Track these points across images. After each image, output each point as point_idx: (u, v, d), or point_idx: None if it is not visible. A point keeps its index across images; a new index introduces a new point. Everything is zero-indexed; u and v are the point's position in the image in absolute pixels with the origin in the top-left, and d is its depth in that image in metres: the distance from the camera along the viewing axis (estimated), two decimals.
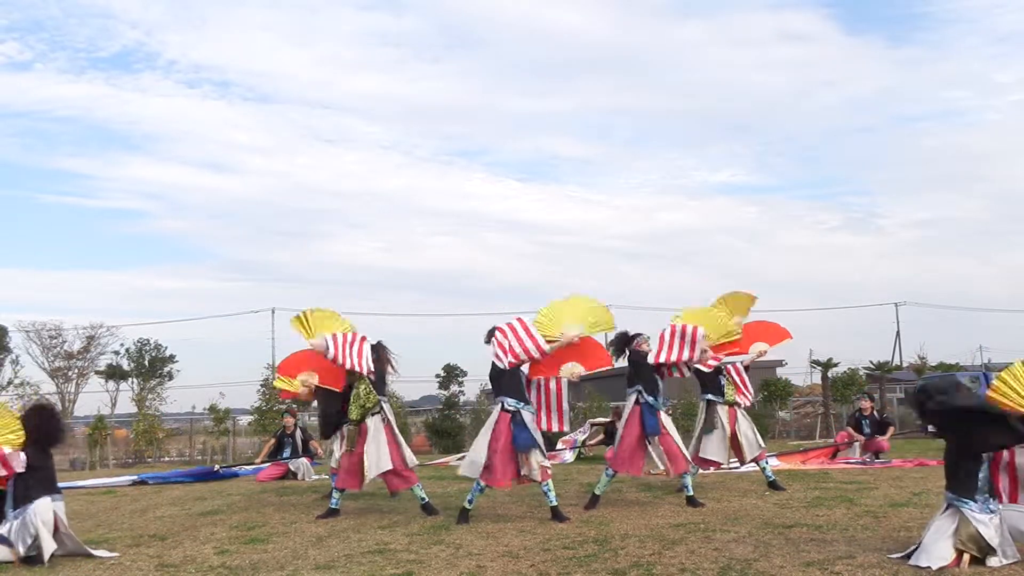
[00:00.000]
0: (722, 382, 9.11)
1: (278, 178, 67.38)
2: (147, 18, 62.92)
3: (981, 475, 5.02)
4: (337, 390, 8.28)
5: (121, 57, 65.03)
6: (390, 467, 7.85)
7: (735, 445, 9.14)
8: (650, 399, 7.76)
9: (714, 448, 9.06)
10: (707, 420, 9.11)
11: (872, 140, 69.11)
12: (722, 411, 9.10)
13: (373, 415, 7.93)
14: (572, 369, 7.58)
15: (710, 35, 66.05)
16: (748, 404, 9.41)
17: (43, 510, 5.97)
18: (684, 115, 70.72)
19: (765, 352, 9.18)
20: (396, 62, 67.95)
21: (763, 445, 9.20)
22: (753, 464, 9.36)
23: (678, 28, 66.47)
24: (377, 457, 7.84)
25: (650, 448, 7.80)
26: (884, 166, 69.80)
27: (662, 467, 7.90)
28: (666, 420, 7.90)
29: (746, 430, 9.15)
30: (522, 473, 7.23)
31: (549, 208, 69.67)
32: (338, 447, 8.45)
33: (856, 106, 67.29)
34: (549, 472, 7.34)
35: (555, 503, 7.27)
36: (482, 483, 7.29)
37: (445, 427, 21.71)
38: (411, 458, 8.16)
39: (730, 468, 9.82)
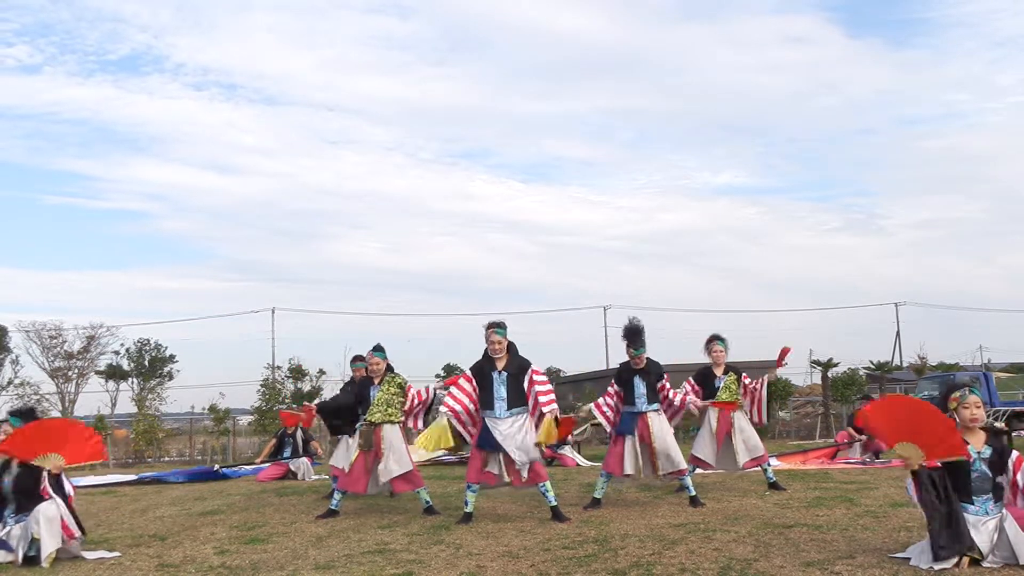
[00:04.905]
0: (717, 384, 9.07)
1: (282, 179, 67.55)
2: (156, 22, 63.13)
3: (975, 476, 5.02)
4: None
5: (130, 60, 65.18)
6: (410, 468, 7.98)
7: (724, 447, 9.03)
8: (625, 408, 7.93)
9: (702, 448, 9.07)
10: (699, 419, 9.19)
11: (873, 142, 69.23)
12: (712, 412, 9.09)
13: (393, 423, 8.04)
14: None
15: (713, 37, 66.17)
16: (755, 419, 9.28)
17: (47, 510, 5.97)
18: (686, 117, 70.83)
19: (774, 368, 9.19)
20: (401, 65, 68.08)
21: (757, 453, 9.00)
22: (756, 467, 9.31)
23: (681, 30, 66.57)
24: (397, 458, 7.95)
25: (634, 449, 7.82)
26: (885, 167, 69.92)
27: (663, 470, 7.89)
28: (655, 423, 7.87)
29: (739, 435, 9.01)
30: (491, 471, 7.23)
31: (551, 209, 69.77)
32: (346, 447, 8.46)
33: (857, 108, 67.42)
34: (545, 473, 7.34)
35: (555, 503, 7.27)
36: (468, 482, 7.35)
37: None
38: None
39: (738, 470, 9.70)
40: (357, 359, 9.36)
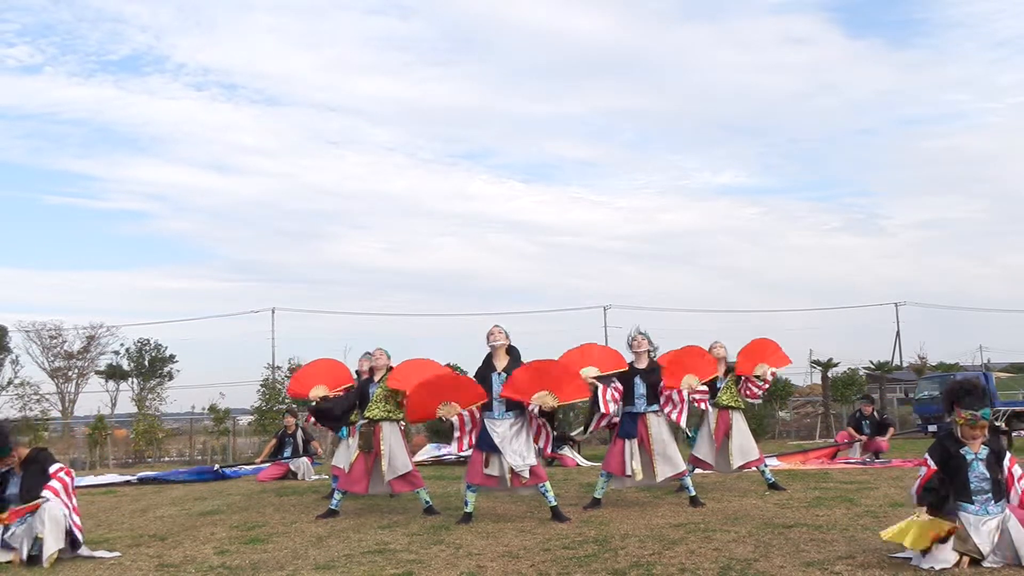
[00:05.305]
0: (718, 385, 9.05)
1: (282, 179, 67.68)
2: (157, 22, 63.26)
3: (972, 476, 5.02)
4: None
5: (131, 60, 65.32)
6: (409, 469, 7.98)
7: (721, 448, 9.02)
8: (626, 408, 7.85)
9: (702, 448, 9.07)
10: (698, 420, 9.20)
11: (874, 142, 69.36)
12: (712, 413, 9.07)
13: (392, 420, 8.04)
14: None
15: (713, 38, 66.30)
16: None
17: (52, 510, 5.96)
18: (687, 117, 70.92)
19: (768, 372, 9.13)
20: (402, 65, 68.22)
21: (751, 456, 8.99)
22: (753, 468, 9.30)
23: (681, 31, 66.67)
24: (396, 458, 7.94)
25: (635, 451, 7.80)
26: (885, 168, 70.04)
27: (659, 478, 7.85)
28: (655, 425, 7.83)
29: (736, 437, 9.01)
30: (492, 474, 7.21)
31: (552, 209, 69.90)
32: (346, 447, 8.44)
33: (858, 108, 67.56)
34: (544, 474, 7.33)
35: (554, 503, 7.27)
36: (468, 482, 7.35)
37: (445, 427, 21.70)
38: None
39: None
40: (367, 353, 9.35)
